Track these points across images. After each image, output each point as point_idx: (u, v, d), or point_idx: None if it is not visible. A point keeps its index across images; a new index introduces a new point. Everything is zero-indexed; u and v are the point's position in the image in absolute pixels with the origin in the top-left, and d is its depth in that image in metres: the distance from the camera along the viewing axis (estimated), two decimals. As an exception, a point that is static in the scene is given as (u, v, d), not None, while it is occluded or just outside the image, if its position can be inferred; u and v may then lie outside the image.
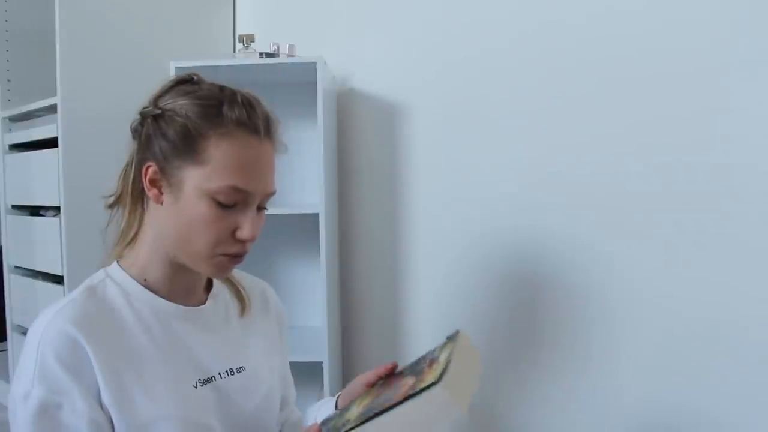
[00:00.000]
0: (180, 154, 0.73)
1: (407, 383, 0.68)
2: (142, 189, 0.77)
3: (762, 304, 1.05)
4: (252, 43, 1.61)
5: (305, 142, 1.65)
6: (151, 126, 0.75)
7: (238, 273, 0.93)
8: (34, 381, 0.68)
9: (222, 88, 0.77)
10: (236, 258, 0.76)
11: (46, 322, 0.71)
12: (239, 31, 1.94)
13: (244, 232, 0.74)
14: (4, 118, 2.00)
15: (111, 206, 0.81)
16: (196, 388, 0.77)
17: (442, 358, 0.70)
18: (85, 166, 1.63)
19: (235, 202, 0.73)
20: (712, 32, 1.10)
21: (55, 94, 1.64)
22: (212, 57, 1.74)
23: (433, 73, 1.52)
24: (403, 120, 1.59)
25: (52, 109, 1.68)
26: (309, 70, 1.47)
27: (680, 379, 1.15)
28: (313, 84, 1.46)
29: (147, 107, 0.77)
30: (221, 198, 0.72)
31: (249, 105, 0.75)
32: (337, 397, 0.89)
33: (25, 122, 1.95)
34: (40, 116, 1.88)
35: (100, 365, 0.70)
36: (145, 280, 0.79)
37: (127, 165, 0.79)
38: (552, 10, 1.30)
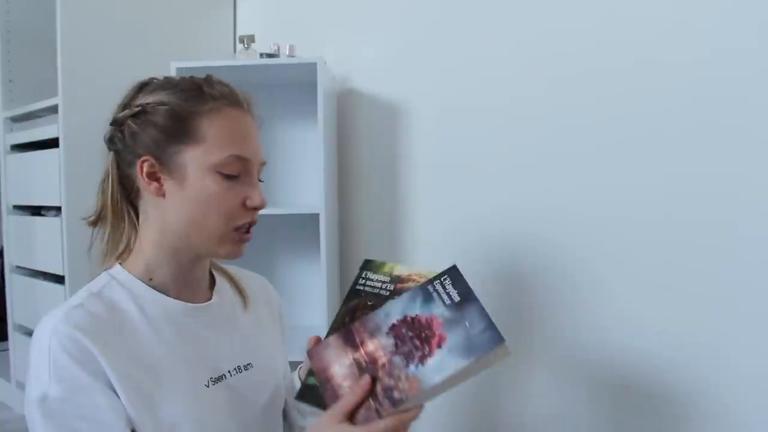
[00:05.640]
0: (174, 138, 0.74)
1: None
2: (127, 198, 0.77)
3: (762, 300, 1.05)
4: (252, 44, 1.62)
5: (305, 142, 1.64)
6: (133, 124, 0.75)
7: (233, 268, 0.93)
8: (50, 382, 0.67)
9: (192, 76, 0.79)
10: (248, 234, 0.79)
11: (53, 324, 0.69)
12: (239, 32, 1.95)
13: (254, 200, 0.77)
14: (5, 118, 2.01)
15: (93, 224, 0.80)
16: (208, 387, 0.76)
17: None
18: (86, 166, 1.62)
19: (238, 172, 0.76)
20: (713, 39, 1.10)
21: (56, 95, 1.64)
22: (213, 57, 1.75)
23: (433, 73, 1.52)
24: (403, 120, 1.59)
25: (54, 109, 1.69)
26: (309, 70, 1.47)
27: (676, 375, 1.15)
28: (314, 84, 1.46)
29: (120, 113, 0.76)
30: (226, 170, 0.75)
31: (225, 83, 0.79)
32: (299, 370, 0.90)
33: (27, 123, 1.96)
34: (41, 117, 1.89)
35: (110, 368, 0.69)
36: (150, 279, 0.77)
37: (104, 179, 0.78)
38: (553, 12, 1.30)
